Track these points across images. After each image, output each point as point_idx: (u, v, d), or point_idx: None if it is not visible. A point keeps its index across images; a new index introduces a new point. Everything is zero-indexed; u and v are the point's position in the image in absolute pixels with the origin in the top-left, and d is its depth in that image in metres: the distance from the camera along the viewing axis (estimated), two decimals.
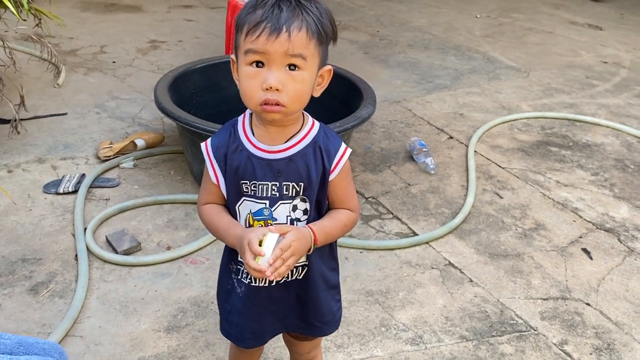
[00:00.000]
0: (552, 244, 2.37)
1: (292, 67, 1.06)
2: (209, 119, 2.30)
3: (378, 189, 2.67)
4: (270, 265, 1.07)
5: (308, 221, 1.20)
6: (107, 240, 2.20)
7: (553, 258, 2.29)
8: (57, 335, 1.75)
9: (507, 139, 3.23)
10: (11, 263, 2.08)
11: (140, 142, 2.78)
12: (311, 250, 1.17)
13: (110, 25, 4.56)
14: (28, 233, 2.23)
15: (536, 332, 1.93)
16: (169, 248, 2.19)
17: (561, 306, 2.05)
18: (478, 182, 2.76)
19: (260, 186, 1.16)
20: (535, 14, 5.80)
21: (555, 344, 1.88)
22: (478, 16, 5.56)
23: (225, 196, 1.21)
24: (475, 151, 3.03)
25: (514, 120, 3.45)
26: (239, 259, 1.23)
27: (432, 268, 2.19)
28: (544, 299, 2.08)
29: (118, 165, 2.68)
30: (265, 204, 1.17)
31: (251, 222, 1.19)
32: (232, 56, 1.13)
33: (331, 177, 1.18)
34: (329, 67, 1.14)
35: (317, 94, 1.15)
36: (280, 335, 1.48)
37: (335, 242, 1.31)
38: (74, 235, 2.21)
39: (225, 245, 1.28)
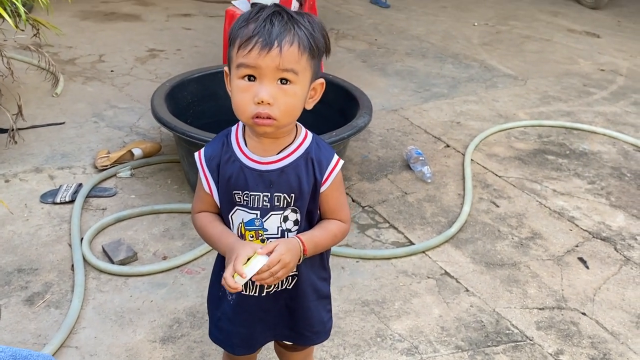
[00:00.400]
0: (548, 253, 2.37)
1: (284, 81, 1.06)
2: (206, 128, 2.31)
3: (375, 197, 2.67)
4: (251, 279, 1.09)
5: (299, 232, 1.20)
6: (104, 250, 2.20)
7: (549, 267, 2.29)
8: (52, 346, 1.75)
9: (504, 147, 3.24)
10: (7, 273, 2.08)
11: (137, 152, 2.79)
12: (301, 260, 1.18)
13: (109, 34, 4.58)
14: (25, 243, 2.23)
15: (532, 342, 1.93)
16: (165, 258, 2.20)
17: (557, 316, 2.05)
18: (474, 190, 2.76)
19: (252, 196, 1.17)
20: (532, 21, 5.83)
21: (551, 354, 1.88)
22: (476, 24, 5.58)
23: (219, 205, 1.22)
24: (472, 160, 3.03)
25: (511, 128, 3.46)
26: None
27: (428, 277, 2.19)
28: (539, 309, 2.07)
29: (115, 175, 2.68)
30: (257, 214, 1.18)
31: (243, 232, 1.20)
32: (226, 68, 1.14)
33: (323, 188, 1.19)
34: (321, 80, 1.15)
35: (309, 107, 1.16)
36: (273, 347, 1.48)
37: (327, 252, 1.32)
38: (70, 245, 2.21)
39: (218, 253, 1.29)
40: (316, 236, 1.20)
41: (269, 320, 1.30)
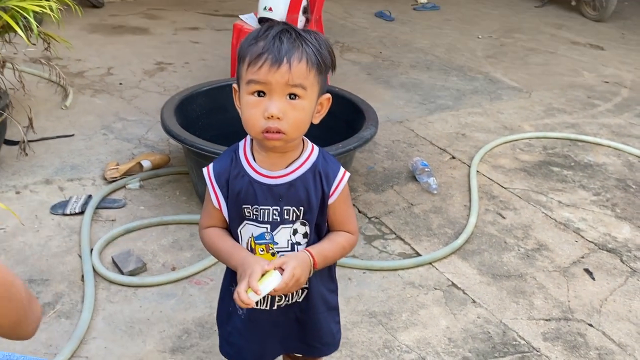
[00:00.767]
0: (555, 265, 2.38)
1: (293, 96, 1.09)
2: (215, 140, 2.34)
3: (381, 209, 2.69)
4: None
5: (308, 244, 1.22)
6: (113, 261, 2.23)
7: (555, 279, 2.30)
8: (63, 356, 1.77)
9: (509, 159, 3.26)
10: None
11: (146, 163, 2.82)
12: (311, 273, 1.20)
13: (118, 47, 4.64)
14: (35, 254, 2.26)
15: (539, 353, 1.93)
16: (174, 269, 2.22)
17: (563, 327, 2.05)
18: (480, 202, 2.78)
19: (261, 210, 1.19)
20: (537, 34, 5.86)
21: None
22: (480, 37, 5.62)
23: (227, 220, 1.24)
24: (477, 171, 3.05)
25: (516, 140, 3.48)
26: None
27: (435, 289, 2.20)
28: (546, 320, 2.08)
29: (124, 186, 2.72)
30: (267, 228, 1.20)
31: (253, 246, 1.22)
32: (234, 85, 1.17)
33: (330, 200, 1.21)
34: (327, 95, 1.18)
35: (316, 121, 1.18)
36: (280, 357, 1.50)
37: (334, 264, 1.33)
38: (80, 256, 2.24)
39: (227, 268, 1.30)
40: (325, 249, 1.22)
41: (279, 334, 1.32)
